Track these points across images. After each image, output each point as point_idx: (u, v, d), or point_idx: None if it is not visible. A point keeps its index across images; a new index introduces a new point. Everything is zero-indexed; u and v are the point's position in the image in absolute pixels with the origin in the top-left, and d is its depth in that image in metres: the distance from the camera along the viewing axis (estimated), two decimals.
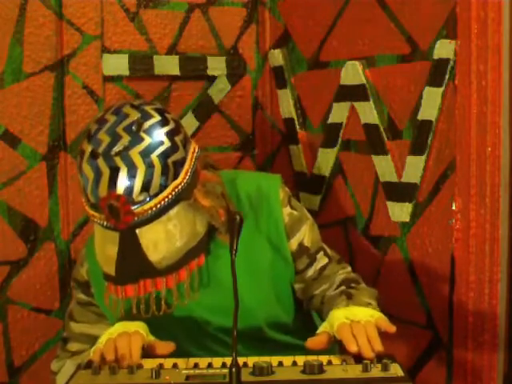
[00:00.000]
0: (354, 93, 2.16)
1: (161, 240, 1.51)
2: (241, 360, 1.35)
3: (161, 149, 1.51)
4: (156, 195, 1.49)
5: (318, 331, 1.55)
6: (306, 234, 1.76)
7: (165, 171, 1.50)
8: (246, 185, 1.76)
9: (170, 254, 1.53)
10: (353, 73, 2.16)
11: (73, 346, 1.76)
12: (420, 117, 1.97)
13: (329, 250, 1.81)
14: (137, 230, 1.50)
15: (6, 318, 2.20)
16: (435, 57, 1.91)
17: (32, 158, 2.21)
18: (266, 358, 1.46)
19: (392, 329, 1.49)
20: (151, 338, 1.56)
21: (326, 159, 2.31)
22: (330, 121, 2.28)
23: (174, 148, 1.52)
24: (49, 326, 2.26)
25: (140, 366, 1.46)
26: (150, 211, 1.49)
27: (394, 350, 1.52)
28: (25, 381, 2.24)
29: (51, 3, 2.20)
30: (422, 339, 2.04)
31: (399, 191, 2.05)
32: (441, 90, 1.91)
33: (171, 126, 1.55)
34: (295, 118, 2.44)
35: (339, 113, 2.24)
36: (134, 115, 1.53)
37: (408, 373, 1.41)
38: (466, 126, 1.85)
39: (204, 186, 1.60)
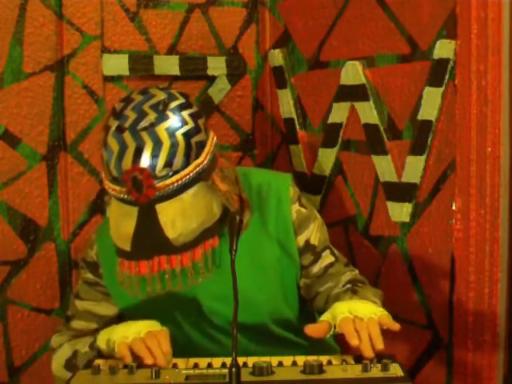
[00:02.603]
0: (354, 93, 2.16)
1: (178, 217, 1.53)
2: (241, 360, 1.35)
3: (185, 128, 1.54)
4: (178, 172, 1.52)
5: (319, 319, 1.56)
6: (314, 232, 1.78)
7: (188, 150, 1.53)
8: (258, 178, 1.79)
9: (187, 232, 1.54)
10: (353, 73, 2.16)
11: (77, 324, 1.79)
12: (420, 117, 1.97)
13: (336, 251, 1.83)
14: (156, 206, 1.52)
15: (6, 318, 2.20)
16: (435, 57, 1.91)
17: (32, 158, 2.21)
18: (266, 358, 1.46)
19: (395, 326, 1.50)
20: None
21: (326, 159, 2.31)
22: (329, 121, 2.28)
23: (196, 129, 1.56)
24: (49, 326, 2.25)
25: (140, 366, 1.46)
26: (171, 186, 1.52)
27: (394, 350, 1.52)
28: (25, 381, 2.24)
29: (51, 3, 2.20)
30: (422, 339, 2.04)
31: (399, 191, 2.05)
32: (441, 90, 1.91)
33: (195, 109, 1.60)
34: (295, 118, 2.44)
35: (339, 113, 2.24)
36: (161, 95, 1.57)
37: (408, 373, 1.42)
38: (466, 126, 1.85)
39: (221, 171, 1.63)
